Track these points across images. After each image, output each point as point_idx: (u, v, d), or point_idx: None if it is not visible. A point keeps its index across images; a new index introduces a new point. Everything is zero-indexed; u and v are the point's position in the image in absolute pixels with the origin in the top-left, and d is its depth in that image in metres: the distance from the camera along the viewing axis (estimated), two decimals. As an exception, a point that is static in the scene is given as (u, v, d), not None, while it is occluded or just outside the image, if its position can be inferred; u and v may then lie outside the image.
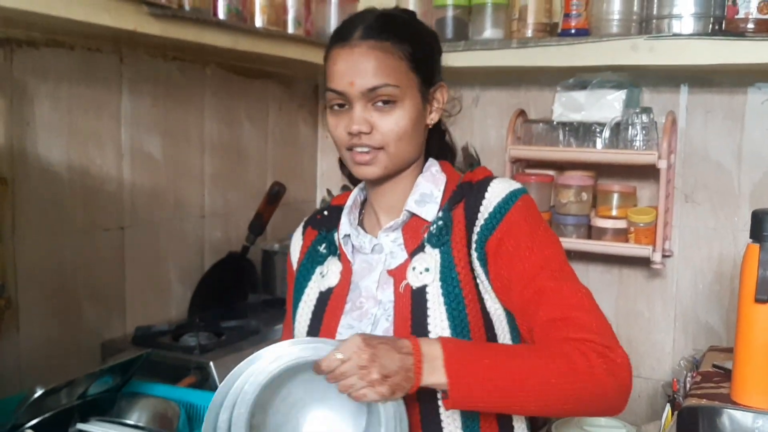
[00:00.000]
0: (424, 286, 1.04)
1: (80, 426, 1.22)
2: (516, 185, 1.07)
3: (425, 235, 1.07)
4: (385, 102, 1.03)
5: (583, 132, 1.82)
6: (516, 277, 1.01)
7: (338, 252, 1.14)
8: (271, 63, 1.91)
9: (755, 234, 1.27)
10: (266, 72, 2.04)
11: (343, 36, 1.06)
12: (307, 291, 1.16)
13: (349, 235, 1.13)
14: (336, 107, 1.06)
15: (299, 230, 1.24)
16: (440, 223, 1.07)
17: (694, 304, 1.91)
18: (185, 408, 1.32)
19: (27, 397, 1.17)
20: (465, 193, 1.08)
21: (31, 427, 1.17)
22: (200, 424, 1.30)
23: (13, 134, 1.41)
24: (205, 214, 1.89)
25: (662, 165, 1.72)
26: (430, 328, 1.02)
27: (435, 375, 0.93)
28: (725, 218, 1.86)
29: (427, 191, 1.10)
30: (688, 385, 1.53)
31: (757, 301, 1.22)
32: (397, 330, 1.04)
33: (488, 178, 1.09)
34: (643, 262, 1.84)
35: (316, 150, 2.31)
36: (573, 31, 1.76)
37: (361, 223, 1.16)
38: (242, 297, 1.94)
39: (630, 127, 1.75)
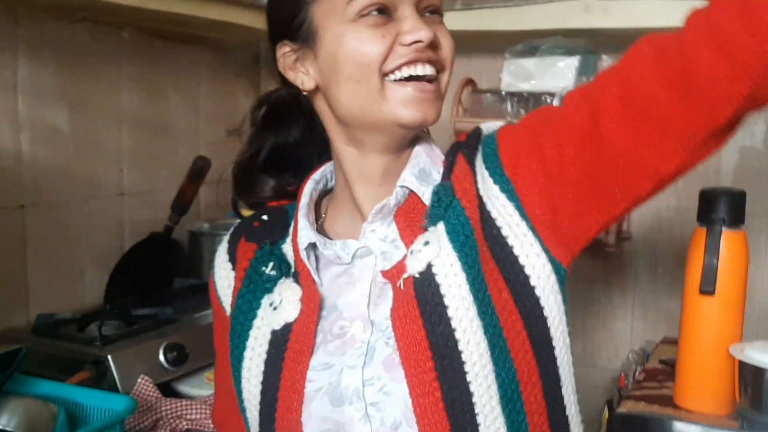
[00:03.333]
0: (429, 266, 0.75)
1: (-61, 431, 1.08)
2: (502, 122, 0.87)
3: (425, 221, 0.79)
4: (433, 11, 0.80)
5: (534, 102, 1.67)
6: (537, 145, 0.76)
7: (293, 271, 0.84)
8: (197, 26, 1.75)
9: (703, 216, 1.12)
10: (196, 36, 1.87)
11: None
12: (253, 333, 0.84)
13: (314, 245, 0.84)
14: (375, 13, 0.76)
15: (223, 249, 0.92)
16: (440, 192, 0.79)
17: (654, 290, 1.78)
18: (69, 408, 1.18)
19: None
20: (458, 148, 0.84)
21: None
22: (83, 426, 1.17)
23: None
24: (124, 192, 1.74)
25: (617, 139, 1.58)
26: (454, 324, 0.72)
27: None
28: (688, 199, 1.72)
29: (426, 167, 0.83)
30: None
31: (702, 292, 1.08)
32: (405, 346, 0.74)
33: (477, 126, 0.86)
34: (599, 245, 1.70)
35: (256, 123, 2.16)
36: (522, -10, 1.60)
37: (320, 231, 0.87)
38: (167, 282, 1.79)
39: (582, 97, 1.60)
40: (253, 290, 0.85)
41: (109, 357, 1.33)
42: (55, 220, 1.57)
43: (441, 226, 0.77)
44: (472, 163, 0.81)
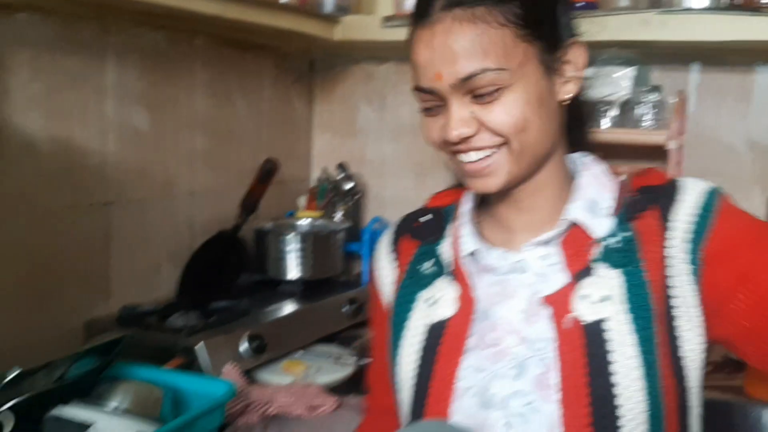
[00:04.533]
0: (600, 321, 0.79)
1: (58, 410, 1.15)
2: (709, 182, 0.85)
3: (596, 252, 0.82)
4: (486, 93, 0.78)
5: (591, 111, 1.75)
6: (751, 285, 0.78)
7: (451, 271, 0.90)
8: (263, 34, 1.83)
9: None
10: (259, 44, 1.96)
11: (421, 11, 0.80)
12: (408, 325, 0.90)
13: (473, 253, 0.88)
14: (428, 110, 0.82)
15: (386, 243, 0.98)
16: (620, 236, 0.82)
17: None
18: (171, 392, 1.25)
19: (1, 379, 1.11)
20: (650, 200, 0.84)
21: (8, 410, 1.11)
22: (185, 409, 1.25)
23: (-11, 103, 1.34)
24: (194, 192, 1.83)
25: (672, 146, 1.65)
26: (616, 379, 0.77)
27: None
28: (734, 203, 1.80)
29: (596, 197, 0.85)
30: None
31: None
32: (567, 382, 0.79)
33: (674, 179, 0.86)
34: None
35: (311, 127, 2.24)
36: (581, 4, 1.68)
37: (479, 234, 0.91)
38: (234, 277, 1.87)
39: (638, 106, 1.68)
40: (412, 285, 0.92)
41: (198, 346, 1.41)
42: (135, 217, 1.65)
43: (621, 281, 0.80)
44: (665, 221, 0.82)
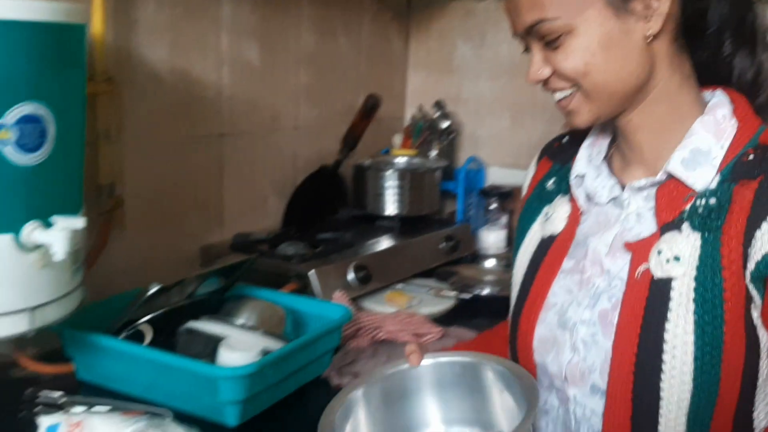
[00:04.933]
0: (669, 280, 0.79)
1: (190, 324, 1.24)
2: None
3: (687, 207, 0.81)
4: (551, 40, 0.80)
5: None
6: None
7: (569, 191, 0.95)
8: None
9: None
10: (361, -19, 1.97)
11: None
12: (529, 235, 0.99)
13: (583, 176, 0.92)
14: (525, 51, 0.86)
15: (534, 159, 1.05)
16: (712, 200, 0.79)
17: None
18: (291, 313, 1.32)
19: (141, 294, 1.20)
20: (763, 167, 0.78)
21: (145, 323, 1.20)
22: (304, 329, 1.32)
23: (118, 32, 1.39)
24: (298, 127, 1.87)
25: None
26: (667, 336, 0.78)
27: None
28: None
29: (704, 147, 0.81)
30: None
31: None
32: (622, 326, 0.81)
33: None
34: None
35: (407, 65, 2.25)
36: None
37: (608, 162, 0.92)
38: (333, 211, 1.93)
39: None
40: (538, 200, 0.99)
41: (311, 273, 1.48)
42: (244, 149, 1.72)
43: (697, 245, 0.79)
44: (761, 207, 0.77)
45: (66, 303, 1.05)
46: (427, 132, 2.11)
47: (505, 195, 2.03)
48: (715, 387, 0.78)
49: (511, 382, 0.83)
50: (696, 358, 0.78)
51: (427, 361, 0.90)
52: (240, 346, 1.15)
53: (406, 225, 1.86)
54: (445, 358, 0.90)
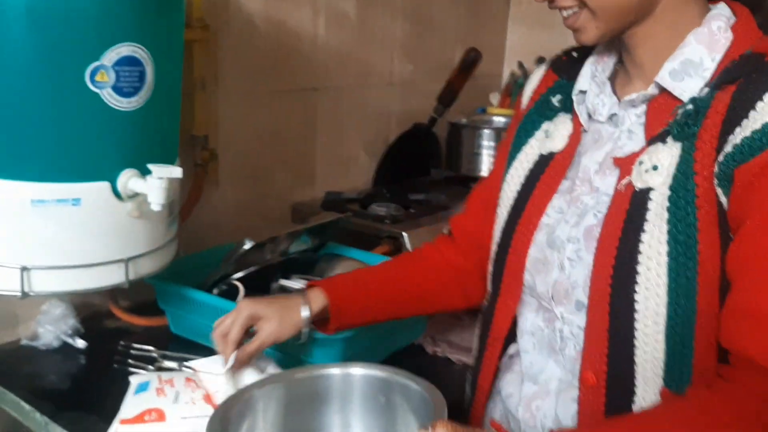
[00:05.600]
0: (648, 190, 0.77)
1: (283, 281, 1.20)
2: None
3: (673, 119, 0.78)
4: None
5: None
6: (744, 229, 0.72)
7: (572, 109, 0.90)
8: None
9: None
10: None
11: None
12: (525, 149, 0.94)
13: (585, 92, 0.88)
14: None
15: (541, 68, 1.00)
16: (690, 106, 0.77)
17: None
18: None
19: (235, 249, 1.17)
20: (744, 71, 0.75)
21: (237, 279, 1.17)
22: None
23: (213, -20, 1.35)
24: (392, 83, 1.80)
25: None
26: (642, 247, 0.76)
27: None
28: None
29: (695, 58, 0.79)
30: None
31: None
32: (602, 239, 0.79)
33: None
34: None
35: (506, 20, 2.13)
36: None
37: (612, 81, 0.88)
38: (425, 172, 1.86)
39: None
40: (538, 114, 0.94)
41: (404, 234, 1.42)
42: (337, 104, 1.66)
43: (676, 153, 0.77)
44: (733, 114, 0.74)
45: (161, 255, 1.03)
46: (525, 91, 2.00)
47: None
48: (692, 302, 0.75)
49: (419, 398, 0.78)
50: (670, 269, 0.75)
51: (338, 371, 0.85)
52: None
53: (501, 188, 1.76)
54: (359, 370, 0.85)
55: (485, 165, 1.78)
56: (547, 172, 0.90)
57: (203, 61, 1.34)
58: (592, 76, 0.88)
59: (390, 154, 1.77)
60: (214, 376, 0.91)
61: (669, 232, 0.75)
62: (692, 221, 0.75)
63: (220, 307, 1.09)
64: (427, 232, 1.46)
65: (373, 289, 0.99)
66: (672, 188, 0.76)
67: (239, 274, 1.16)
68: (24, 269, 0.90)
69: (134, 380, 1.00)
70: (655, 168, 0.78)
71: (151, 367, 1.10)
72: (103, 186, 0.92)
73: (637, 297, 0.76)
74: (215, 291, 1.16)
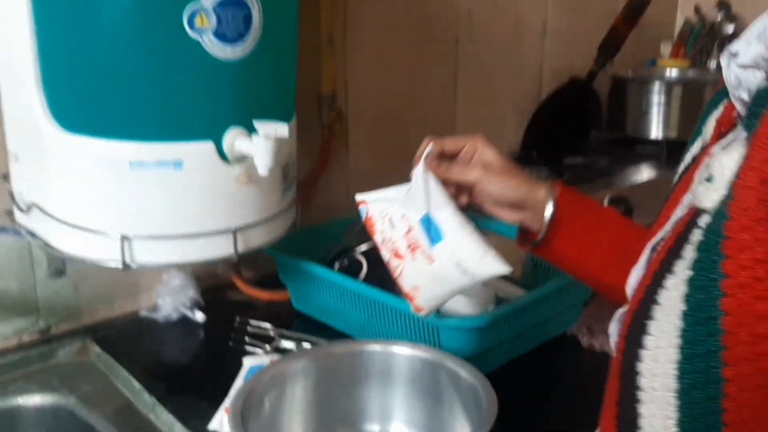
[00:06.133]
0: (699, 213, 0.51)
1: (413, 258, 1.06)
2: None
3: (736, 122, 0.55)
4: None
5: None
6: None
7: None
8: None
9: None
10: None
11: None
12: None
13: None
14: None
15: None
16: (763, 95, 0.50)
17: None
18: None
19: (357, 221, 1.04)
20: None
21: (361, 253, 1.04)
22: (547, 276, 1.09)
23: None
24: (546, 32, 1.59)
25: None
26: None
27: None
28: None
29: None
30: None
31: None
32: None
33: None
34: None
35: (683, -43, 1.84)
36: None
37: None
38: (583, 133, 1.64)
39: None
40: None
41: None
42: (481, 58, 1.48)
43: (736, 157, 0.49)
44: None
45: (274, 226, 0.92)
46: (705, 38, 1.71)
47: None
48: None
49: (468, 390, 0.73)
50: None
51: (381, 348, 0.80)
52: (468, 290, 0.95)
53: (674, 152, 1.51)
54: (406, 350, 0.79)
55: (654, 125, 1.53)
56: None
57: (331, 14, 1.21)
58: None
59: (542, 113, 1.57)
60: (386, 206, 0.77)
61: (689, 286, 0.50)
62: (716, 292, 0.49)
63: (338, 284, 0.97)
64: (584, 203, 1.26)
65: (609, 222, 0.79)
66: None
67: (363, 248, 1.03)
68: (125, 238, 0.81)
69: (246, 362, 0.91)
70: (708, 180, 0.52)
71: (267, 346, 1.00)
72: (207, 146, 0.81)
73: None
74: (336, 265, 1.04)
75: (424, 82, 1.39)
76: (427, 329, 0.88)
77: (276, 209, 0.91)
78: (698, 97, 1.52)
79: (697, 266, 0.49)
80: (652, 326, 0.51)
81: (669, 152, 1.50)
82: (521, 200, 0.76)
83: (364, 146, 1.33)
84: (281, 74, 0.90)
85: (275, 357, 0.91)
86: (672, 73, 1.62)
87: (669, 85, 1.52)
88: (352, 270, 1.02)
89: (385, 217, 0.76)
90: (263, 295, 1.16)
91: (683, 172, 0.62)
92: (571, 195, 0.77)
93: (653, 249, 0.58)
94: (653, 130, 1.53)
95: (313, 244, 1.10)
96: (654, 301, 0.52)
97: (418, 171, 0.73)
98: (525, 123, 1.57)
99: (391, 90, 1.35)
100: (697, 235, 0.50)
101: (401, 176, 1.38)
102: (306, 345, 0.98)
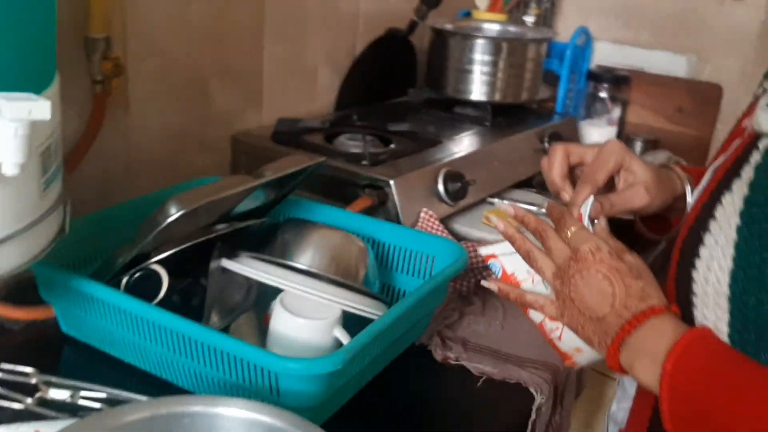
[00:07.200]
0: (759, 137, 0.60)
1: (226, 262, 0.82)
2: None
3: None
4: None
5: None
6: None
7: None
8: None
9: None
10: None
11: None
12: None
13: None
14: None
15: None
16: None
17: None
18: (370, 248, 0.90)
19: (154, 218, 0.77)
20: None
21: (160, 262, 0.78)
22: (388, 275, 0.91)
23: None
24: (362, -25, 1.38)
25: None
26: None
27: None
28: None
29: None
30: None
31: None
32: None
33: None
34: None
35: None
36: None
37: None
38: (401, 92, 1.47)
39: None
40: None
41: (392, 182, 1.04)
42: (289, 5, 1.23)
43: None
44: None
45: (30, 240, 0.63)
46: (521, -8, 1.61)
47: (619, 80, 1.59)
48: None
49: None
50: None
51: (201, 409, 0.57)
52: (307, 309, 0.74)
53: (497, 116, 1.40)
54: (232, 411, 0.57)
55: (476, 86, 1.40)
56: None
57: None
58: None
59: (357, 67, 1.37)
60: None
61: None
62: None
63: (126, 310, 0.71)
64: (419, 179, 1.10)
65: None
66: None
67: (163, 254, 0.77)
68: None
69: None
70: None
71: (29, 399, 0.71)
72: None
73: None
74: (125, 280, 0.77)
75: (224, 26, 1.13)
76: (260, 374, 0.66)
77: (32, 216, 0.62)
78: (524, 55, 1.41)
79: (754, 185, 0.56)
80: (708, 238, 0.58)
81: (494, 116, 1.38)
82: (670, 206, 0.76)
83: (147, 106, 1.04)
84: (29, 13, 0.59)
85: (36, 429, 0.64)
86: (493, 27, 1.50)
87: (495, 41, 1.39)
88: (147, 286, 0.76)
89: (533, 276, 0.70)
90: (18, 313, 0.85)
91: (752, 102, 0.65)
92: (689, 171, 0.78)
93: (714, 172, 0.64)
94: (476, 90, 1.40)
95: (91, 242, 0.83)
96: (711, 216, 0.59)
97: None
98: (340, 79, 1.36)
99: (183, 34, 1.06)
100: (755, 157, 0.58)
101: (195, 142, 1.12)
102: (84, 398, 0.71)
